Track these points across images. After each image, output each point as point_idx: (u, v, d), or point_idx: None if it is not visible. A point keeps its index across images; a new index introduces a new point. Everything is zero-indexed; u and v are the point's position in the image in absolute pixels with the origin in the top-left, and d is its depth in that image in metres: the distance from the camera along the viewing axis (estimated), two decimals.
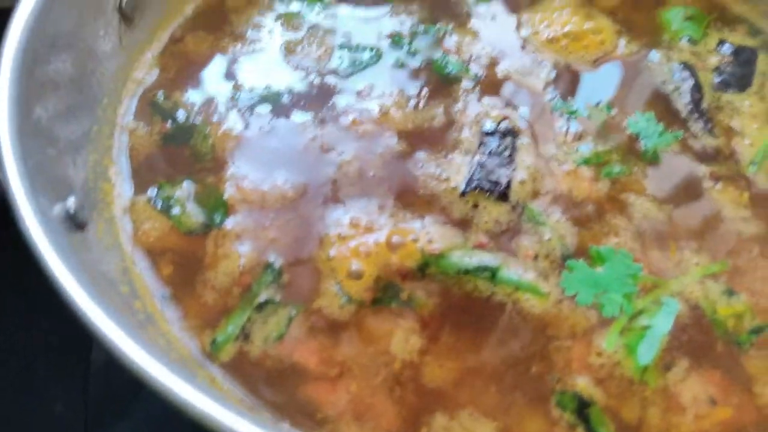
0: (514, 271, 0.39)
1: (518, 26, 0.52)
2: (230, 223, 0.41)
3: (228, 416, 0.27)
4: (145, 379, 0.27)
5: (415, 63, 0.49)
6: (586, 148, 0.45)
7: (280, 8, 0.52)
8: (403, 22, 0.52)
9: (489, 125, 0.45)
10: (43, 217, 0.31)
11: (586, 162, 0.44)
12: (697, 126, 0.47)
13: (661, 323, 0.38)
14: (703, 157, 0.45)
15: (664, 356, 0.37)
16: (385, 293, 0.38)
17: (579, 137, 0.46)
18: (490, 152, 0.44)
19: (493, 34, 0.52)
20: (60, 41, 0.40)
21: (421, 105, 0.47)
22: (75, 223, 0.35)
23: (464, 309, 0.38)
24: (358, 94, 0.47)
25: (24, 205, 0.31)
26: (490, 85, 0.48)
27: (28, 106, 0.35)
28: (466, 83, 0.48)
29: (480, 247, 0.40)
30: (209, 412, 0.27)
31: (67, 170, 0.38)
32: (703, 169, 0.45)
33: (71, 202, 0.35)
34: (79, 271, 0.30)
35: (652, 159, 0.45)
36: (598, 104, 0.48)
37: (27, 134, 0.34)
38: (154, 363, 0.28)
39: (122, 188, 0.42)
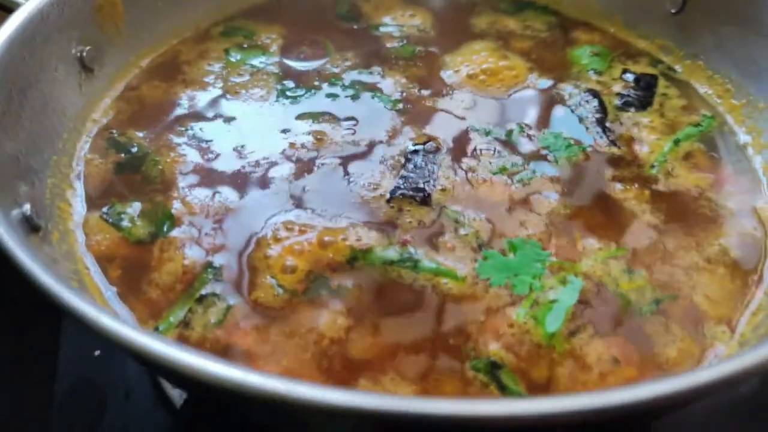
0: (434, 260, 0.43)
1: (441, 66, 0.59)
2: (176, 232, 0.45)
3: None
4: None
5: (349, 97, 0.55)
6: (501, 160, 0.50)
7: (228, 59, 0.58)
8: (339, 67, 0.58)
9: (414, 145, 0.51)
10: (4, 218, 0.35)
11: (501, 171, 0.49)
12: (601, 140, 0.52)
13: (567, 297, 0.42)
14: (608, 163, 0.50)
15: (569, 325, 0.40)
16: (315, 284, 0.42)
17: (495, 152, 0.51)
18: (414, 166, 0.49)
19: (419, 73, 0.58)
20: (24, 83, 0.45)
21: (353, 131, 0.52)
22: (30, 225, 0.39)
23: (388, 294, 0.42)
24: (296, 127, 0.52)
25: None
26: (417, 113, 0.54)
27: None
28: (395, 113, 0.54)
29: (404, 243, 0.44)
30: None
31: (27, 188, 0.42)
32: (607, 174, 0.50)
33: (26, 208, 0.39)
34: (35, 258, 0.33)
35: (560, 167, 0.50)
36: (511, 125, 0.53)
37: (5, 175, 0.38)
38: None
39: (77, 207, 0.46)
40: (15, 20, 0.45)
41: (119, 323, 0.29)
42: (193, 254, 0.43)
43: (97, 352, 0.55)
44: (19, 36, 0.45)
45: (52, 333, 0.57)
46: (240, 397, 0.29)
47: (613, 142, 0.52)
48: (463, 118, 0.54)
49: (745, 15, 0.53)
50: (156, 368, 0.34)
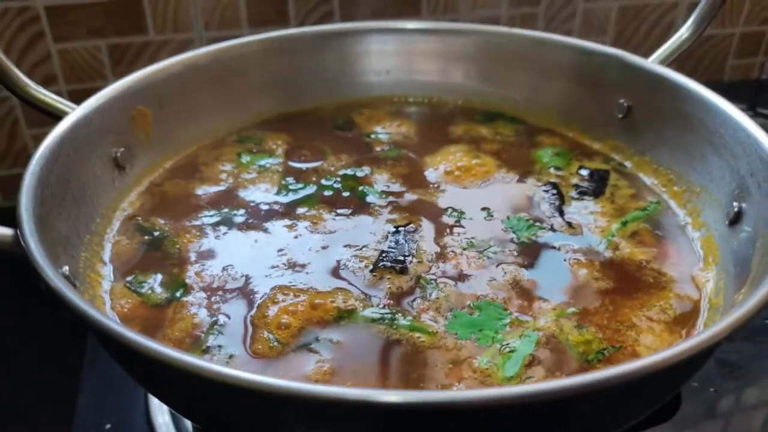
0: (409, 319, 0.50)
1: (422, 165, 0.68)
2: (188, 298, 0.52)
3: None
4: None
5: (341, 189, 0.64)
6: (470, 239, 0.58)
7: (240, 161, 0.68)
8: (334, 166, 0.67)
9: (395, 226, 0.59)
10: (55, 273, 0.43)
11: (469, 247, 0.57)
12: (558, 222, 0.60)
13: (524, 348, 0.48)
14: (563, 240, 0.58)
15: (525, 370, 0.46)
16: (306, 337, 0.49)
17: (466, 232, 0.59)
18: (396, 243, 0.57)
19: (403, 171, 0.67)
20: (68, 174, 0.54)
21: (345, 217, 0.60)
22: (70, 283, 0.47)
23: (369, 345, 0.48)
24: (297, 213, 0.61)
25: (44, 267, 0.42)
26: (400, 202, 0.63)
27: (42, 214, 0.48)
28: (381, 203, 0.62)
29: (384, 305, 0.51)
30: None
31: (66, 258, 0.50)
32: (563, 248, 0.57)
33: (65, 269, 0.47)
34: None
35: (522, 244, 0.57)
36: (481, 211, 0.61)
37: (44, 237, 0.46)
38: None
39: (105, 278, 0.53)
40: (64, 123, 0.55)
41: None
42: (202, 315, 0.51)
43: (107, 426, 0.61)
44: (67, 136, 0.54)
45: (67, 407, 0.63)
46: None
47: (568, 223, 0.60)
48: (439, 206, 0.62)
49: (679, 116, 0.63)
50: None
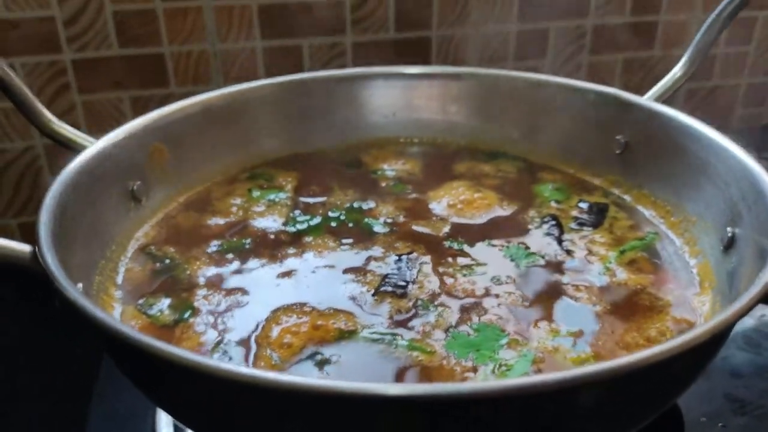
0: (408, 339, 0.51)
1: (426, 199, 0.70)
2: (195, 319, 0.54)
3: None
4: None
5: (347, 221, 0.66)
6: (471, 266, 0.59)
7: (250, 195, 0.71)
8: (341, 200, 0.70)
9: (398, 254, 0.61)
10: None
11: (469, 273, 0.58)
12: (557, 250, 0.62)
13: (520, 366, 0.49)
14: (562, 268, 0.59)
15: None
16: (307, 356, 0.50)
17: (466, 260, 0.60)
18: (398, 269, 0.59)
19: (407, 204, 0.69)
20: (86, 203, 0.57)
21: (349, 246, 0.62)
22: None
23: (367, 363, 0.49)
24: (303, 242, 0.63)
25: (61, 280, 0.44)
26: (404, 234, 0.64)
27: (59, 234, 0.51)
28: (385, 234, 0.64)
29: (386, 327, 0.53)
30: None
31: (81, 279, 0.52)
32: (561, 276, 0.58)
33: (80, 286, 0.49)
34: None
35: (521, 271, 0.59)
36: (482, 241, 0.63)
37: (60, 255, 0.48)
38: None
39: (117, 301, 0.56)
40: (84, 155, 0.58)
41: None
42: (208, 335, 0.52)
43: None
44: (86, 167, 0.57)
45: None
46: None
47: (567, 252, 0.61)
48: (441, 235, 0.64)
49: (674, 149, 0.65)
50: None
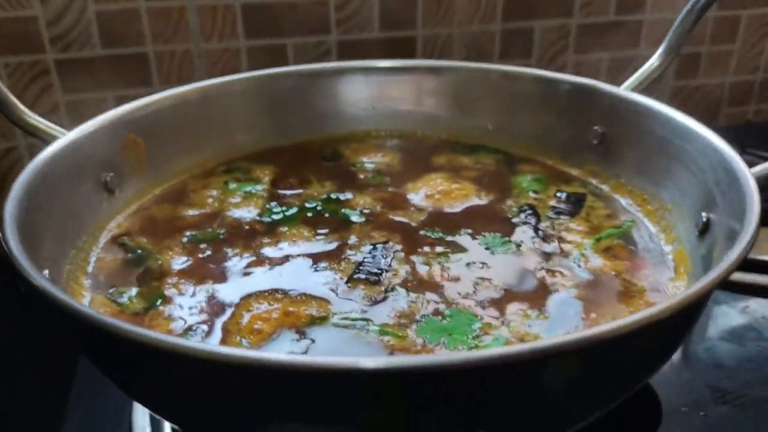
0: (381, 324, 0.51)
1: (404, 191, 0.70)
2: (165, 307, 0.53)
3: None
4: None
5: (323, 211, 0.66)
6: (445, 254, 0.59)
7: (226, 187, 0.70)
8: (317, 192, 0.70)
9: (372, 244, 0.60)
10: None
11: (445, 260, 0.58)
12: (533, 238, 0.61)
13: (494, 347, 0.48)
14: (537, 255, 0.59)
15: None
16: (277, 342, 0.49)
17: (441, 248, 0.60)
18: (372, 257, 0.58)
19: (385, 196, 0.69)
20: (57, 192, 0.57)
21: (324, 236, 0.62)
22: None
23: (340, 349, 0.49)
24: (278, 232, 0.63)
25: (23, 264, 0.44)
26: (380, 222, 0.64)
27: (26, 222, 0.51)
28: (362, 224, 0.64)
29: (358, 312, 0.52)
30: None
31: (50, 267, 0.52)
32: (536, 262, 0.58)
33: (46, 272, 0.49)
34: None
35: (496, 258, 0.59)
36: (457, 230, 0.63)
37: (26, 242, 0.48)
38: None
39: (87, 289, 0.55)
40: (55, 146, 0.58)
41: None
42: (177, 323, 0.52)
43: None
44: (56, 157, 0.57)
45: None
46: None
47: (543, 239, 0.61)
48: (417, 225, 0.64)
49: (649, 138, 0.65)
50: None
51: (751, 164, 0.56)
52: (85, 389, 0.67)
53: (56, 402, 0.68)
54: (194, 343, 0.36)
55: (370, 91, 0.79)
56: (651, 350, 0.43)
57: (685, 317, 0.43)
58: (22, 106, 0.63)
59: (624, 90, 0.68)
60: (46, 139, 0.62)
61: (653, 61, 0.71)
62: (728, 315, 0.77)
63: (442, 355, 0.43)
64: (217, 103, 0.74)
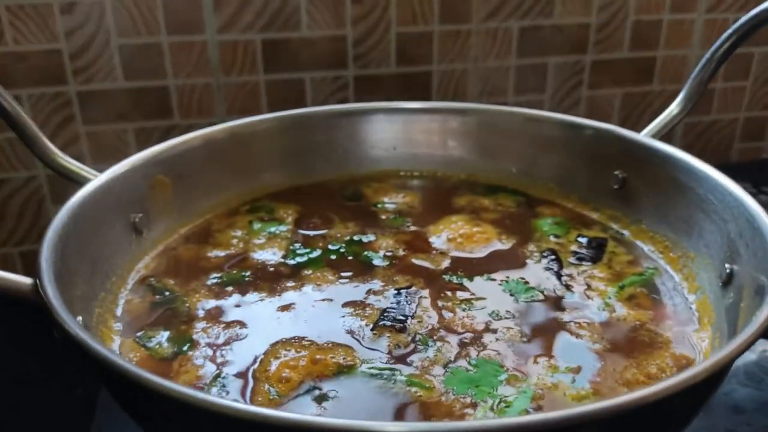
0: (407, 374, 0.51)
1: (426, 233, 0.71)
2: (194, 352, 0.54)
3: None
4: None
5: (347, 256, 0.66)
6: (469, 300, 0.60)
7: (251, 228, 0.71)
8: (341, 233, 0.70)
9: (397, 288, 0.61)
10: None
11: (468, 307, 0.58)
12: (556, 285, 0.62)
13: (520, 403, 0.49)
14: (561, 303, 0.60)
15: None
16: (305, 391, 0.50)
17: (466, 294, 0.60)
18: (397, 303, 0.59)
19: (406, 238, 0.70)
20: (89, 234, 0.57)
21: (348, 279, 0.63)
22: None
23: (366, 399, 0.49)
24: (302, 275, 0.63)
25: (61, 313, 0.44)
26: (403, 267, 0.65)
27: (61, 267, 0.51)
28: (385, 267, 0.65)
29: (385, 362, 0.53)
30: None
31: (82, 312, 0.53)
32: (560, 311, 0.59)
33: (79, 319, 0.50)
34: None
35: (520, 306, 0.59)
36: (480, 275, 0.63)
37: (61, 288, 0.49)
38: None
39: (117, 333, 0.56)
40: (88, 187, 0.59)
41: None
42: (206, 368, 0.52)
43: None
44: (89, 199, 0.58)
45: None
46: None
47: (566, 286, 0.61)
48: (440, 269, 0.64)
49: (672, 185, 0.65)
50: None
51: (766, 204, 0.56)
52: (105, 425, 0.68)
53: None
54: (214, 398, 0.36)
55: (393, 132, 0.80)
56: (682, 411, 0.44)
57: (717, 378, 0.43)
58: (53, 147, 0.64)
59: (646, 137, 0.69)
60: (75, 180, 0.64)
61: (673, 108, 0.72)
62: (746, 358, 0.77)
63: (465, 423, 0.43)
64: (244, 142, 0.75)
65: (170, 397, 0.38)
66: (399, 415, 0.48)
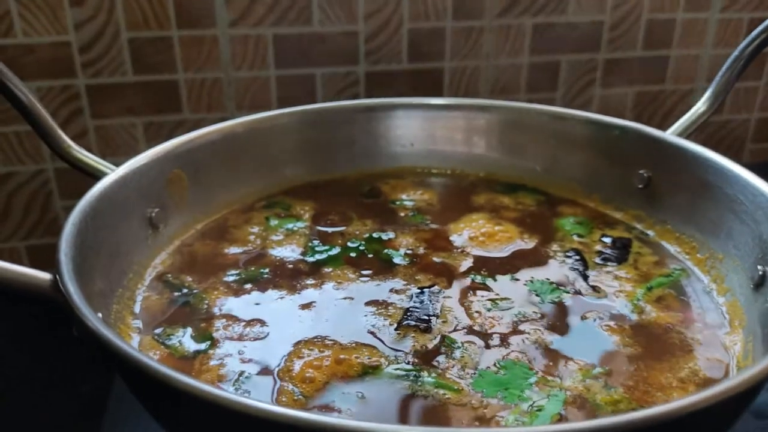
0: (434, 376, 0.50)
1: (446, 231, 0.69)
2: (214, 351, 0.52)
3: None
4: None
5: (366, 253, 0.65)
6: (495, 300, 0.58)
7: (268, 224, 0.70)
8: (359, 230, 0.69)
9: (419, 288, 0.59)
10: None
11: (494, 307, 0.57)
12: (582, 286, 0.60)
13: (552, 407, 0.47)
14: (588, 304, 0.58)
15: None
16: (330, 392, 0.49)
17: (490, 294, 0.59)
18: (420, 302, 0.57)
19: (426, 236, 0.68)
20: (106, 229, 0.56)
21: (369, 277, 0.61)
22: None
23: (392, 401, 0.48)
24: (322, 272, 0.62)
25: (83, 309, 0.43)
26: (425, 266, 0.63)
27: (79, 263, 0.50)
28: (406, 265, 0.63)
29: (409, 363, 0.51)
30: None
31: (100, 309, 0.51)
32: (587, 312, 0.57)
33: (99, 316, 0.48)
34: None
35: (546, 306, 0.58)
36: (505, 275, 0.62)
37: (81, 284, 0.47)
38: None
39: (135, 330, 0.54)
40: (105, 181, 0.57)
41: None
42: (228, 367, 0.51)
43: None
44: (106, 193, 0.57)
45: None
46: None
47: (593, 287, 0.60)
48: (463, 268, 0.63)
49: (699, 185, 0.64)
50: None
51: None
52: (119, 417, 0.66)
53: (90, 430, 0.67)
54: (246, 399, 0.35)
55: (413, 128, 0.79)
56: (721, 419, 0.42)
57: (754, 391, 0.42)
58: (68, 139, 0.63)
59: (672, 135, 0.68)
60: (90, 173, 0.62)
61: (700, 105, 0.70)
62: None
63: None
64: (262, 137, 0.73)
65: (197, 396, 0.36)
66: (428, 417, 0.47)
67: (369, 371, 0.50)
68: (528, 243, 0.67)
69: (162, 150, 0.64)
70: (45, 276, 0.46)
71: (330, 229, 0.70)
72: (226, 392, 0.37)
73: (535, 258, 0.65)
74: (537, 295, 0.59)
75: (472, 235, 0.68)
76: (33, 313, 0.78)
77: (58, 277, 0.45)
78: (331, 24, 1.05)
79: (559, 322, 0.56)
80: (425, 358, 0.52)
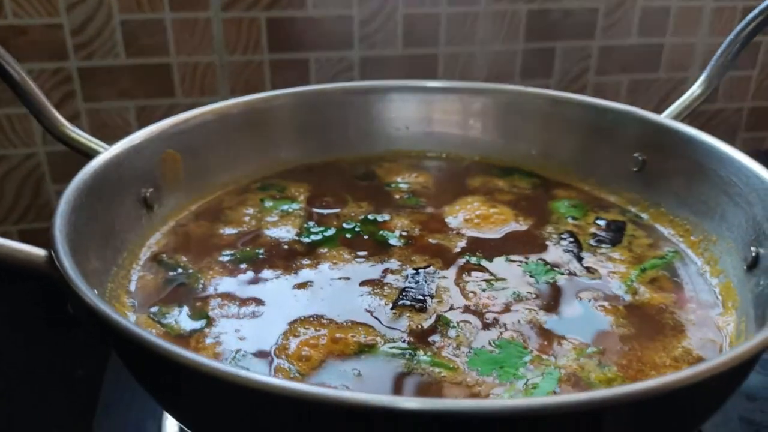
0: (429, 355, 0.50)
1: (441, 213, 0.69)
2: (210, 329, 0.52)
3: None
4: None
5: (362, 235, 0.65)
6: (489, 280, 0.58)
7: (263, 205, 0.69)
8: (355, 212, 0.69)
9: (415, 268, 0.59)
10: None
11: (489, 287, 0.57)
12: (577, 267, 0.61)
13: (547, 384, 0.48)
14: (582, 285, 0.58)
15: None
16: (326, 370, 0.49)
17: (484, 274, 0.59)
18: (416, 282, 0.57)
19: (421, 218, 0.68)
20: (100, 208, 0.56)
21: (364, 258, 0.61)
22: None
23: (388, 379, 0.48)
24: (317, 253, 0.62)
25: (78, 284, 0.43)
26: (420, 247, 0.63)
27: (74, 239, 0.50)
28: (401, 246, 0.63)
29: (404, 341, 0.51)
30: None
31: (95, 286, 0.51)
32: (582, 292, 0.57)
33: (95, 292, 0.48)
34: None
35: (541, 287, 0.58)
36: (499, 256, 0.62)
37: (75, 260, 0.47)
38: None
39: (130, 309, 0.54)
40: (98, 159, 0.57)
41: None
42: (224, 346, 0.51)
43: None
44: (100, 171, 0.56)
45: None
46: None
47: (587, 269, 0.60)
48: (458, 249, 0.63)
49: (693, 167, 0.64)
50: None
51: None
52: (112, 400, 0.66)
53: (83, 413, 0.67)
54: (247, 372, 0.35)
55: (408, 111, 0.79)
56: (713, 396, 0.43)
57: (751, 363, 0.42)
58: (61, 118, 0.62)
59: (667, 118, 0.68)
60: (85, 153, 0.62)
61: (695, 89, 0.71)
62: None
63: (496, 401, 0.42)
64: (258, 118, 0.73)
65: (205, 373, 0.36)
66: (424, 395, 0.47)
67: (365, 350, 0.50)
68: (522, 225, 0.68)
69: (156, 129, 0.64)
70: (40, 252, 0.46)
71: (325, 211, 0.69)
72: (228, 366, 0.37)
73: (529, 240, 0.65)
74: (531, 276, 0.59)
75: (467, 217, 0.68)
76: (27, 298, 0.78)
77: (53, 252, 0.45)
78: (325, 8, 1.05)
79: (553, 302, 0.56)
80: (421, 337, 0.52)
